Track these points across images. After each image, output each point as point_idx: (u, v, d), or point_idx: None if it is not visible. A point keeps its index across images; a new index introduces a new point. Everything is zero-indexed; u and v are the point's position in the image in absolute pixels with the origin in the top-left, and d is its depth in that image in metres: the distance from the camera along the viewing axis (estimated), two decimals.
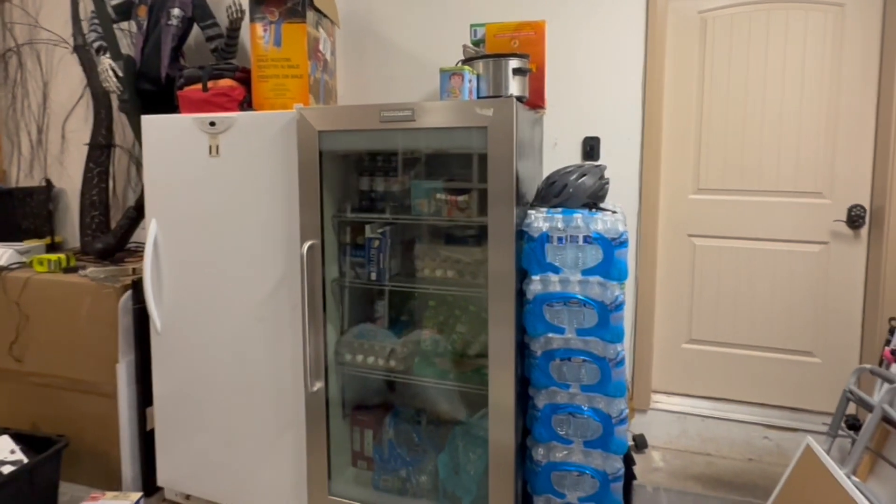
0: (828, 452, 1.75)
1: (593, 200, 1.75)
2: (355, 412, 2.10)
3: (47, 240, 2.91)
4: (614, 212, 1.70)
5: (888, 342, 1.87)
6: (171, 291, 2.10)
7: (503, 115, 1.55)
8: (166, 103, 2.34)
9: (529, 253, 1.62)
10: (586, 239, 1.56)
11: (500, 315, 1.62)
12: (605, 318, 1.57)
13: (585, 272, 1.58)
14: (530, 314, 1.63)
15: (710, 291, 2.31)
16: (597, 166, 1.78)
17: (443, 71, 1.67)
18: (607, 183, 1.78)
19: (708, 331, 2.33)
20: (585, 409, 1.67)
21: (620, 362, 1.62)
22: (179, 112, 2.15)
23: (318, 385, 1.88)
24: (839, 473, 1.60)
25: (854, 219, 2.10)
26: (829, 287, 2.17)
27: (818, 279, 2.18)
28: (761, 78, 2.15)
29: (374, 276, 1.86)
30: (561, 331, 1.62)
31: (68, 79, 2.89)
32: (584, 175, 1.74)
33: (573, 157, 2.25)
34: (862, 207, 2.10)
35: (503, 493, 1.71)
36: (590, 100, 2.21)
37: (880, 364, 1.87)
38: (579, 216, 1.58)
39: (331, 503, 1.93)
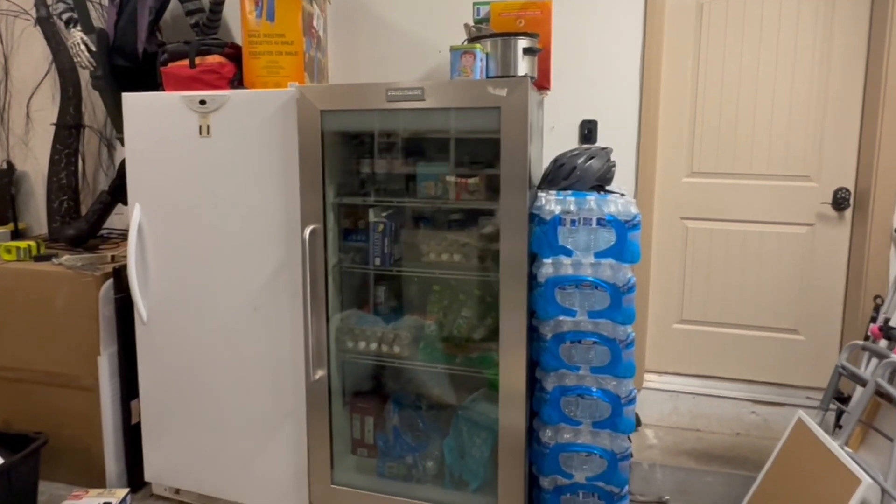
0: (819, 425, 1.83)
1: (601, 183, 1.75)
2: (355, 399, 2.06)
3: (10, 226, 2.73)
4: (622, 194, 1.71)
5: (874, 319, 1.95)
6: (158, 280, 2.00)
7: (517, 96, 1.52)
8: (143, 80, 2.21)
9: (541, 236, 1.61)
10: (599, 221, 1.56)
11: (512, 299, 1.61)
12: (618, 300, 1.58)
13: (598, 255, 1.59)
14: (541, 297, 1.63)
15: (701, 273, 2.36)
16: (603, 149, 1.78)
17: (453, 49, 1.63)
18: (614, 166, 1.78)
19: (698, 311, 2.38)
20: (595, 390, 1.68)
21: (630, 343, 1.64)
22: (161, 90, 2.04)
23: (321, 373, 1.84)
24: (833, 444, 1.66)
25: (839, 201, 2.17)
26: (814, 267, 2.25)
27: (804, 260, 2.25)
28: (755, 64, 2.19)
29: (378, 261, 1.81)
30: (572, 313, 1.62)
31: (31, 53, 2.69)
32: (592, 158, 1.73)
33: (570, 140, 2.24)
34: (847, 190, 2.17)
35: (512, 476, 1.71)
36: (588, 83, 2.21)
37: (866, 339, 1.95)
38: (592, 199, 1.58)
39: (334, 492, 1.89)
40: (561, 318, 1.63)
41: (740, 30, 2.19)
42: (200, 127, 1.88)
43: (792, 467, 1.89)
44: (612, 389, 1.67)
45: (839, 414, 2.10)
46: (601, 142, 2.22)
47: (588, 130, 2.22)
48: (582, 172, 1.71)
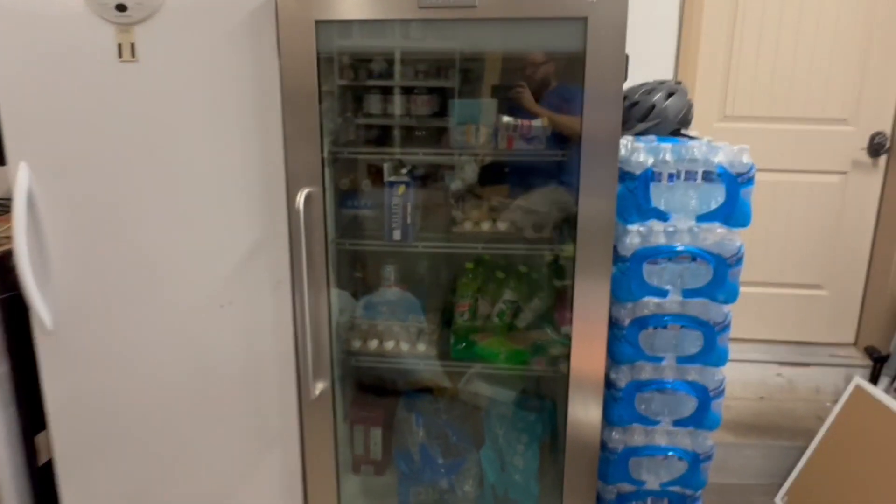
0: (885, 391, 1.69)
1: (680, 127, 1.40)
2: (354, 407, 1.63)
3: None
4: (710, 141, 1.37)
5: None
6: (68, 271, 1.40)
7: (613, 2, 1.10)
8: None
9: (626, 196, 1.24)
10: (707, 175, 1.21)
11: (593, 275, 1.23)
12: (722, 274, 1.26)
13: (701, 218, 1.24)
14: (624, 275, 1.27)
15: None
16: (678, 83, 1.42)
17: None
18: (692, 105, 1.43)
19: None
20: (678, 382, 1.38)
21: (727, 326, 1.34)
22: None
23: (322, 386, 1.38)
24: None
25: (875, 147, 2.02)
26: (844, 219, 2.11)
27: (834, 211, 2.10)
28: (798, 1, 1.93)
29: (397, 234, 1.35)
30: (664, 293, 1.29)
31: None
32: (672, 94, 1.37)
33: None
34: (884, 135, 2.02)
35: (583, 488, 1.39)
36: None
37: None
38: (696, 145, 1.22)
39: None
40: (647, 298, 1.29)
41: None
42: (120, 47, 1.26)
43: (851, 436, 1.75)
44: (700, 380, 1.38)
45: (875, 375, 1.99)
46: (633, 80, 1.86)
47: None
48: (662, 112, 1.34)
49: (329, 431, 1.44)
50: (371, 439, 1.65)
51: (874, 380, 1.96)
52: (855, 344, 2.19)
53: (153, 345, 1.42)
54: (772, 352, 2.20)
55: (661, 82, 1.40)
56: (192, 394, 1.45)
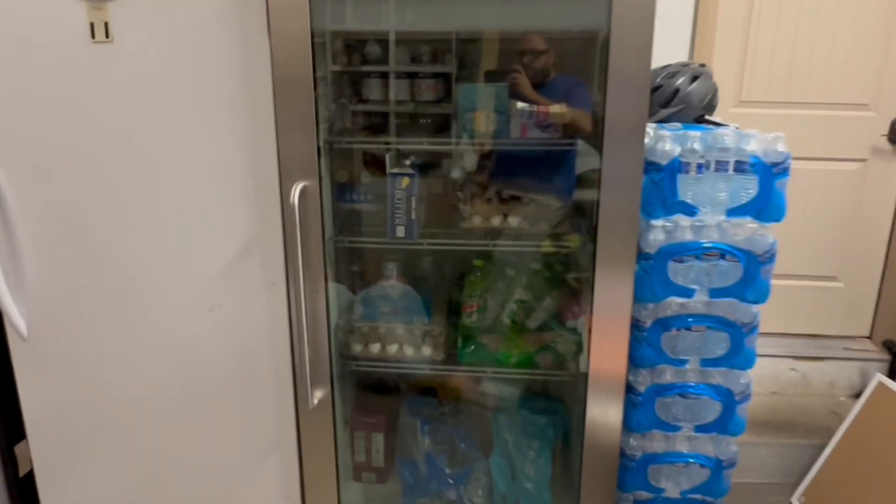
0: None
1: (705, 113, 1.30)
2: (354, 411, 1.54)
3: None
4: (736, 127, 1.27)
5: None
6: (43, 275, 1.29)
7: None
8: None
9: (651, 189, 1.14)
10: (739, 166, 1.11)
11: (615, 273, 1.13)
12: (753, 272, 1.17)
13: (732, 212, 1.15)
14: (647, 274, 1.18)
15: None
16: (702, 66, 1.31)
17: None
18: (717, 90, 1.33)
19: None
20: (702, 386, 1.30)
21: (756, 327, 1.25)
22: None
23: (322, 394, 1.28)
24: None
25: None
26: (861, 208, 2.02)
27: (851, 200, 2.02)
28: None
29: (401, 231, 1.24)
30: (690, 293, 1.20)
31: None
32: (696, 78, 1.27)
33: None
34: None
35: (601, 497, 1.31)
36: None
37: None
38: (727, 133, 1.12)
39: None
40: (671, 299, 1.20)
41: None
42: (92, 26, 1.14)
43: (872, 434, 1.68)
44: (724, 383, 1.30)
45: (893, 370, 1.93)
46: None
47: None
48: (686, 97, 1.24)
49: (329, 439, 1.34)
50: (373, 445, 1.56)
51: (892, 374, 1.89)
52: (870, 337, 2.12)
53: (136, 352, 1.32)
54: (785, 345, 2.13)
55: (685, 64, 1.30)
56: (179, 402, 1.35)
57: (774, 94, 1.93)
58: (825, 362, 2.10)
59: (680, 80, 1.25)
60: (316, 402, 1.27)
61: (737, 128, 1.24)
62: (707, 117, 1.33)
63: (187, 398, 1.34)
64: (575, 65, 1.30)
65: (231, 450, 1.38)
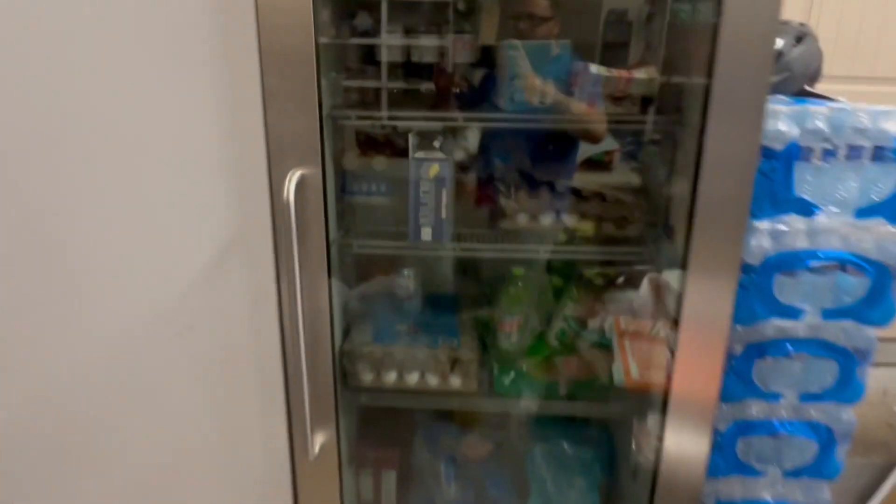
0: None
1: (809, 83, 1.03)
2: (359, 444, 1.28)
3: None
4: (840, 101, 1.01)
5: None
6: None
7: None
8: None
9: (758, 181, 0.87)
10: (879, 153, 0.85)
11: (712, 283, 0.87)
12: (883, 287, 0.92)
13: (862, 212, 0.89)
14: (746, 290, 0.92)
15: None
16: (802, 25, 1.04)
17: None
18: (823, 56, 1.06)
19: None
20: (796, 424, 1.05)
21: (870, 353, 1.01)
22: None
23: (323, 439, 1.01)
24: None
25: None
26: None
27: None
28: None
29: (426, 233, 0.96)
30: (797, 314, 0.94)
31: None
32: (801, 39, 1.00)
33: None
34: None
35: None
36: None
37: None
38: (862, 111, 0.86)
39: None
40: (774, 320, 0.95)
41: None
42: None
43: None
44: (824, 420, 1.05)
45: None
46: None
47: None
48: (790, 64, 0.97)
49: (333, 488, 1.08)
50: (383, 486, 1.31)
51: None
52: None
53: (77, 382, 1.02)
54: None
55: (784, 23, 1.02)
56: (135, 455, 1.06)
57: (835, 68, 1.68)
58: (878, 368, 1.89)
59: (782, 43, 0.98)
60: (317, 450, 1.00)
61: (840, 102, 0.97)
62: (809, 89, 1.06)
63: (146, 451, 1.05)
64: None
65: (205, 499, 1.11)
